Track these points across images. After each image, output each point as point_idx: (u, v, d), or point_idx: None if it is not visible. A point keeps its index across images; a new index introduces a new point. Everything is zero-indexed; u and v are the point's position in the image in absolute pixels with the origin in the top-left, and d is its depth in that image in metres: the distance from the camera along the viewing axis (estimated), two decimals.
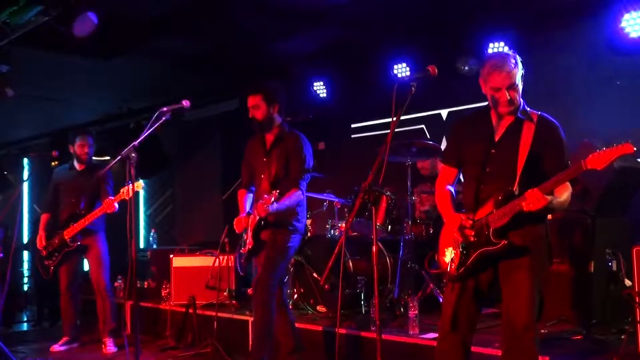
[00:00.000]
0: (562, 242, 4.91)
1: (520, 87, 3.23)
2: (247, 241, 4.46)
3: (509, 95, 3.17)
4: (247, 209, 4.65)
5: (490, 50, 6.34)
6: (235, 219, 4.56)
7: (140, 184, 5.41)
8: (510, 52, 3.28)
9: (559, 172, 3.02)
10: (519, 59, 3.25)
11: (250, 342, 4.45)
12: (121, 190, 5.45)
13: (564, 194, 3.09)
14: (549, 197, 2.97)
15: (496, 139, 3.27)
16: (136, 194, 5.41)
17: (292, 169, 4.44)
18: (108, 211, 5.67)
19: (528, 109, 3.28)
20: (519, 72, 3.21)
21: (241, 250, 4.56)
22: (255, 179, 4.66)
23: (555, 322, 4.72)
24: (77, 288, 6.19)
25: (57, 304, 6.26)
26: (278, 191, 4.16)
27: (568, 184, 3.08)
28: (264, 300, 4.36)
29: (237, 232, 4.59)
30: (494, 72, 3.18)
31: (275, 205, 4.16)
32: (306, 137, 4.59)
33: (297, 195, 4.41)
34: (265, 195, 4.14)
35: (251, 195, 4.74)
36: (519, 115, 3.24)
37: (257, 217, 4.36)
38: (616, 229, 4.89)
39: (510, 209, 3.06)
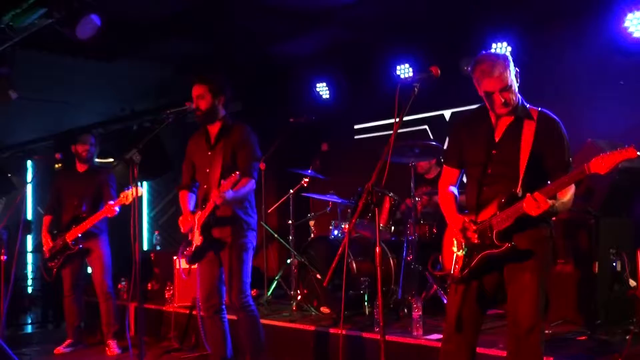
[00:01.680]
0: (567, 243, 4.90)
1: (515, 85, 3.19)
2: (195, 239, 4.31)
3: (503, 97, 3.14)
4: (191, 208, 4.53)
5: (493, 50, 6.33)
6: (180, 218, 4.44)
7: (140, 190, 5.42)
8: (501, 52, 3.23)
9: (559, 170, 3.01)
10: (509, 57, 3.20)
11: (249, 351, 4.41)
12: (121, 195, 5.47)
13: (567, 194, 3.07)
14: (551, 202, 2.93)
15: (496, 139, 3.25)
16: (140, 196, 5.43)
17: (241, 159, 4.33)
18: (109, 215, 5.69)
19: (528, 105, 3.26)
20: (511, 72, 3.16)
21: (185, 252, 4.42)
22: (199, 175, 4.53)
23: (560, 323, 4.71)
24: (80, 290, 6.20)
25: (61, 306, 6.27)
26: (238, 172, 4.06)
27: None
28: (242, 306, 4.33)
29: (182, 232, 4.45)
30: (484, 78, 3.15)
31: (231, 192, 4.07)
32: (251, 128, 4.48)
33: (251, 184, 4.32)
34: (223, 180, 4.05)
35: (193, 195, 4.62)
36: (518, 113, 3.22)
37: (208, 210, 4.21)
38: (620, 230, 4.88)
39: (513, 212, 3.03)
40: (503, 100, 3.14)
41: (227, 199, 4.09)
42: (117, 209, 5.66)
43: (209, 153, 4.45)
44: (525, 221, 3.04)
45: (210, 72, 4.47)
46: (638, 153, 2.72)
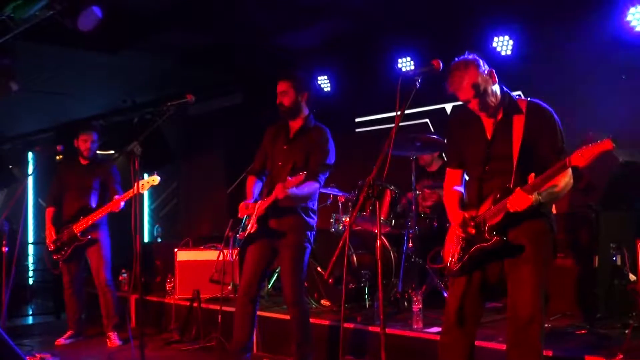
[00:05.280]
0: (567, 237, 4.91)
1: (492, 87, 3.21)
2: (249, 226, 4.35)
3: (478, 103, 3.19)
4: (255, 195, 4.57)
5: (494, 44, 6.33)
6: (241, 204, 4.46)
7: (156, 178, 5.43)
8: (470, 57, 3.23)
9: (553, 156, 3.02)
10: (479, 61, 3.21)
11: (295, 342, 4.45)
12: (130, 191, 5.45)
13: (561, 181, 3.08)
14: (533, 197, 2.98)
15: (489, 137, 3.29)
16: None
17: (314, 161, 4.38)
18: (115, 210, 5.71)
19: (517, 97, 3.29)
20: (481, 75, 3.18)
21: (238, 235, 4.47)
22: (272, 167, 4.58)
23: (560, 317, 4.72)
24: (81, 282, 6.21)
25: (62, 297, 6.29)
26: (305, 173, 4.09)
27: (568, 170, 3.07)
28: (297, 301, 4.40)
29: (239, 216, 4.48)
30: (456, 91, 3.21)
31: (294, 189, 4.11)
32: (331, 134, 4.54)
33: (315, 187, 4.37)
34: (289, 177, 4.07)
35: (260, 183, 4.67)
36: (506, 109, 3.25)
37: (269, 201, 4.25)
38: (621, 224, 4.88)
39: (503, 207, 3.08)
40: (479, 106, 3.20)
41: (290, 195, 4.13)
42: (122, 203, 5.68)
43: (285, 147, 4.50)
44: (520, 215, 3.07)
45: (293, 70, 4.59)
46: (614, 145, 2.74)
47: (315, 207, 4.55)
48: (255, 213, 4.34)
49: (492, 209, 3.15)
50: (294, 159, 4.39)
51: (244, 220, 4.48)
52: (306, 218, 4.45)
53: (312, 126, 4.54)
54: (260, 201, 4.38)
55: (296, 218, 4.41)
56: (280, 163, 4.47)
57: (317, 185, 4.37)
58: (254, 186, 4.64)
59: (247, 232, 4.37)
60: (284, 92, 4.47)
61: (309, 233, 4.46)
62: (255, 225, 4.33)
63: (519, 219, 3.12)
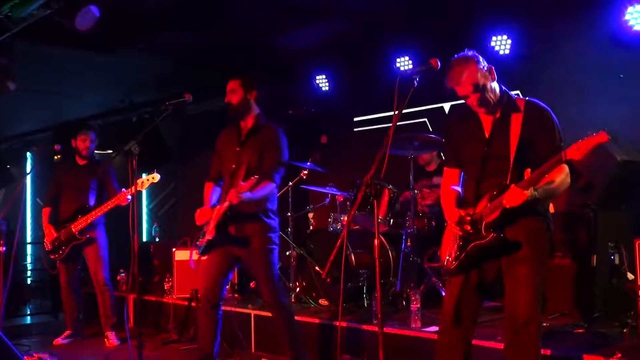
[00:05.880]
0: (565, 236, 4.91)
1: (491, 83, 3.22)
2: (209, 232, 4.29)
3: (477, 98, 3.20)
4: (213, 202, 4.52)
5: (492, 44, 6.33)
6: (198, 211, 4.41)
7: (156, 176, 5.42)
8: (470, 53, 3.25)
9: (552, 155, 3.02)
10: (478, 57, 3.23)
11: (287, 345, 4.44)
12: (138, 181, 5.40)
13: (558, 177, 3.09)
14: (528, 192, 2.98)
15: (487, 136, 3.30)
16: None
17: (267, 161, 4.33)
18: (122, 204, 5.68)
19: (515, 96, 3.30)
20: (480, 71, 3.19)
21: (198, 242, 4.42)
22: (225, 170, 4.51)
23: (558, 316, 4.73)
24: (78, 282, 6.21)
25: (60, 297, 6.28)
26: (257, 177, 4.06)
27: (564, 166, 3.08)
28: (275, 303, 4.38)
29: (197, 224, 4.43)
30: (454, 85, 3.23)
31: (248, 193, 4.06)
32: (283, 131, 4.49)
33: (270, 188, 4.32)
34: (242, 182, 4.04)
35: (219, 188, 4.61)
36: (504, 108, 3.26)
37: (225, 208, 4.21)
38: (619, 223, 4.89)
39: (499, 203, 3.09)
40: (478, 102, 3.21)
41: (243, 200, 4.08)
42: (129, 197, 5.64)
43: (238, 149, 4.45)
44: (514, 213, 3.08)
45: (243, 69, 4.55)
46: (609, 137, 2.76)
47: (275, 208, 4.49)
48: (213, 219, 4.30)
49: (488, 206, 3.16)
50: (248, 161, 4.33)
51: (203, 227, 4.42)
52: (267, 220, 4.39)
53: (263, 125, 4.48)
54: (217, 207, 4.34)
55: (256, 222, 4.36)
56: (234, 166, 4.40)
57: (272, 185, 4.33)
58: (212, 192, 4.59)
59: (206, 238, 4.32)
60: (232, 91, 4.42)
61: (272, 235, 4.40)
62: (213, 232, 4.27)
63: (515, 217, 3.13)
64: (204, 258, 4.48)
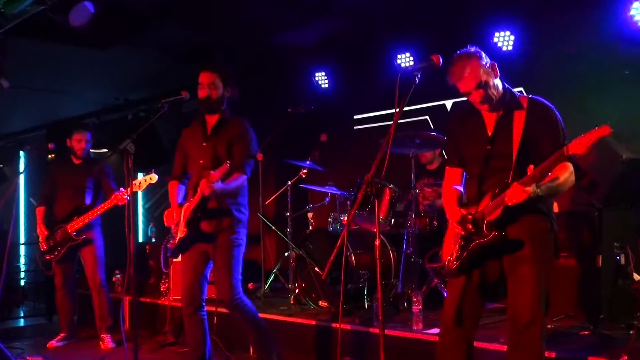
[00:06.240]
0: (569, 236, 4.91)
1: (493, 80, 3.22)
2: (179, 231, 4.25)
3: (480, 95, 3.20)
4: (179, 200, 4.47)
5: (495, 40, 6.33)
6: (166, 212, 4.38)
7: (154, 176, 5.41)
8: (472, 49, 3.25)
9: (556, 152, 3.00)
10: (480, 53, 3.23)
11: (251, 347, 4.41)
12: (133, 183, 5.39)
13: (562, 175, 3.08)
14: (530, 189, 2.97)
15: (489, 134, 3.30)
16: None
17: (237, 153, 4.30)
18: (119, 203, 5.66)
19: (518, 94, 3.30)
20: (482, 67, 3.19)
21: (169, 244, 4.36)
22: (192, 167, 4.47)
23: (562, 318, 4.73)
24: (73, 283, 6.20)
25: (54, 299, 6.27)
26: (229, 163, 4.03)
27: (568, 164, 3.08)
28: (233, 303, 4.29)
29: (166, 225, 4.40)
30: (456, 82, 3.23)
31: (220, 183, 4.02)
32: (250, 123, 4.46)
33: (242, 180, 4.28)
34: (212, 171, 3.98)
35: (183, 186, 4.56)
36: (507, 105, 3.26)
37: (196, 201, 4.16)
38: (624, 222, 4.87)
39: (501, 200, 3.08)
40: (480, 98, 3.20)
41: (216, 190, 4.03)
42: (127, 197, 5.63)
43: (204, 144, 4.41)
44: (517, 211, 3.08)
45: (216, 63, 4.46)
46: (611, 130, 2.76)
47: (245, 202, 4.45)
48: (182, 217, 4.26)
49: (490, 204, 3.15)
50: (216, 155, 4.30)
51: (172, 228, 4.38)
52: (236, 214, 4.35)
53: (229, 118, 4.44)
54: (186, 204, 4.31)
55: (227, 216, 4.31)
56: (201, 161, 4.36)
57: (244, 177, 4.29)
58: (177, 191, 4.53)
59: (177, 238, 4.28)
60: (213, 85, 4.36)
61: (240, 229, 4.36)
62: (185, 230, 4.24)
63: (518, 215, 3.12)
64: (177, 260, 4.44)
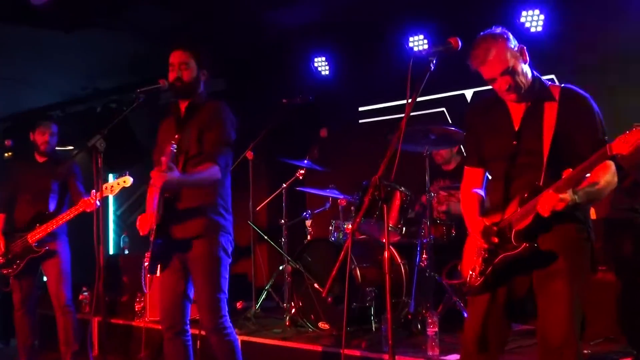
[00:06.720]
0: (608, 247, 4.92)
1: (522, 65, 3.20)
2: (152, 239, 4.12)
3: (507, 81, 3.18)
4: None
5: (522, 20, 6.35)
6: (139, 218, 4.23)
7: (127, 179, 5.41)
8: (498, 30, 3.24)
9: (592, 150, 2.96)
10: (508, 35, 3.22)
11: None
12: (104, 186, 5.37)
13: (603, 177, 3.07)
14: (567, 197, 2.93)
15: (516, 128, 3.29)
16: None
17: (208, 140, 4.11)
18: (87, 210, 5.65)
19: (548, 83, 3.30)
20: (510, 50, 3.18)
21: (145, 259, 4.26)
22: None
23: (601, 341, 4.73)
24: (34, 301, 6.19)
25: (12, 321, 6.27)
26: (173, 144, 3.90)
27: (609, 163, 3.06)
28: (215, 328, 4.14)
29: (142, 233, 4.21)
30: (480, 66, 3.21)
31: (177, 173, 3.85)
32: (228, 107, 4.30)
33: (212, 171, 4.05)
34: (162, 157, 3.82)
35: None
36: (536, 95, 3.25)
37: (154, 199, 4.06)
38: None
39: (532, 207, 3.05)
40: (507, 85, 3.19)
41: (171, 181, 3.84)
42: (97, 202, 5.62)
43: (177, 136, 4.22)
44: (550, 218, 3.04)
45: (190, 40, 4.33)
46: None
47: (227, 205, 4.28)
48: (154, 223, 4.12)
49: (519, 211, 3.13)
50: (187, 146, 4.15)
51: (149, 236, 4.22)
52: (215, 217, 4.17)
53: (201, 102, 4.29)
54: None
55: (203, 219, 4.14)
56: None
57: (215, 168, 4.05)
58: (154, 195, 4.36)
59: (150, 250, 4.12)
60: (185, 64, 4.19)
61: (222, 238, 4.18)
62: (158, 238, 4.10)
63: (550, 224, 3.11)
64: (157, 275, 4.30)
